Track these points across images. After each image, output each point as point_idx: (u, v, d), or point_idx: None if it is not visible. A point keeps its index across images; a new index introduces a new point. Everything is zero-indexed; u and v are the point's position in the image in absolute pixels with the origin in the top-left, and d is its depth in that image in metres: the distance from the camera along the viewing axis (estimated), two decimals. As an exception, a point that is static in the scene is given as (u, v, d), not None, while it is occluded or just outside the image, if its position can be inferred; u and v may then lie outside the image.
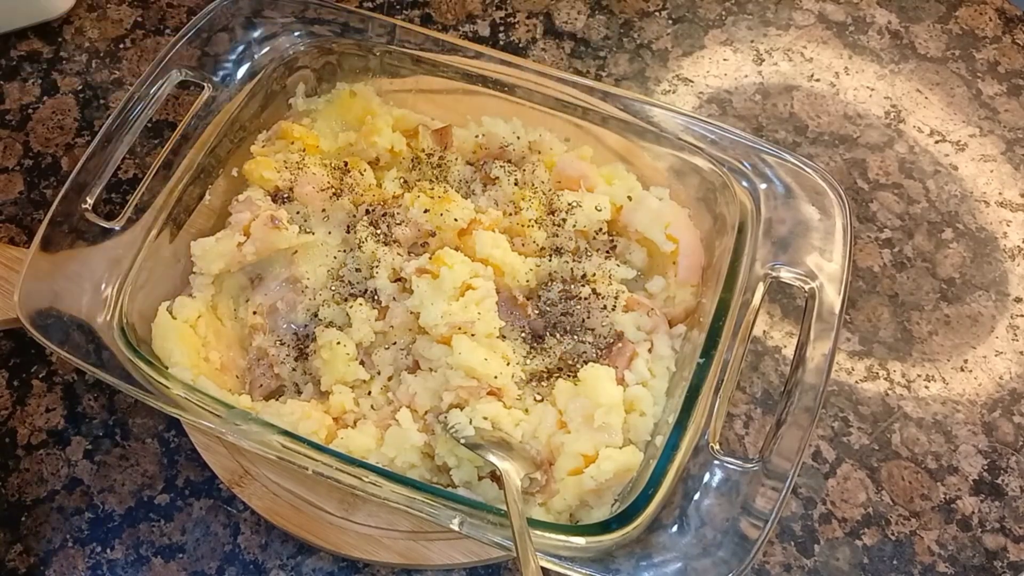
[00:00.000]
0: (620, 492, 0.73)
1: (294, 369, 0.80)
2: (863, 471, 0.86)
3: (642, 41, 1.13)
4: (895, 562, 0.83)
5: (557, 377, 0.78)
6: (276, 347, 0.80)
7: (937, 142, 1.05)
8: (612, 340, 0.80)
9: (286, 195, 0.86)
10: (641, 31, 1.14)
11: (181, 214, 0.83)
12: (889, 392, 0.90)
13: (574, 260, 0.83)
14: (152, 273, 0.80)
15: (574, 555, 0.65)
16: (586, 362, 0.78)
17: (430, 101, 0.93)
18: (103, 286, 0.77)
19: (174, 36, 0.87)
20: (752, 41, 1.13)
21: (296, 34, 0.90)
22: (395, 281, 0.80)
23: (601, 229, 0.86)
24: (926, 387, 0.91)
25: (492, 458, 0.70)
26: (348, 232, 0.84)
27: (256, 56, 0.88)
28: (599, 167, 0.88)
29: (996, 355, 0.92)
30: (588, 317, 0.80)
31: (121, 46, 1.13)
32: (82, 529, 0.84)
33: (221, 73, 0.87)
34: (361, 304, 0.80)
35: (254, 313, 0.83)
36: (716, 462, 0.68)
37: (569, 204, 0.84)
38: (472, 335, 0.77)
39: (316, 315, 0.81)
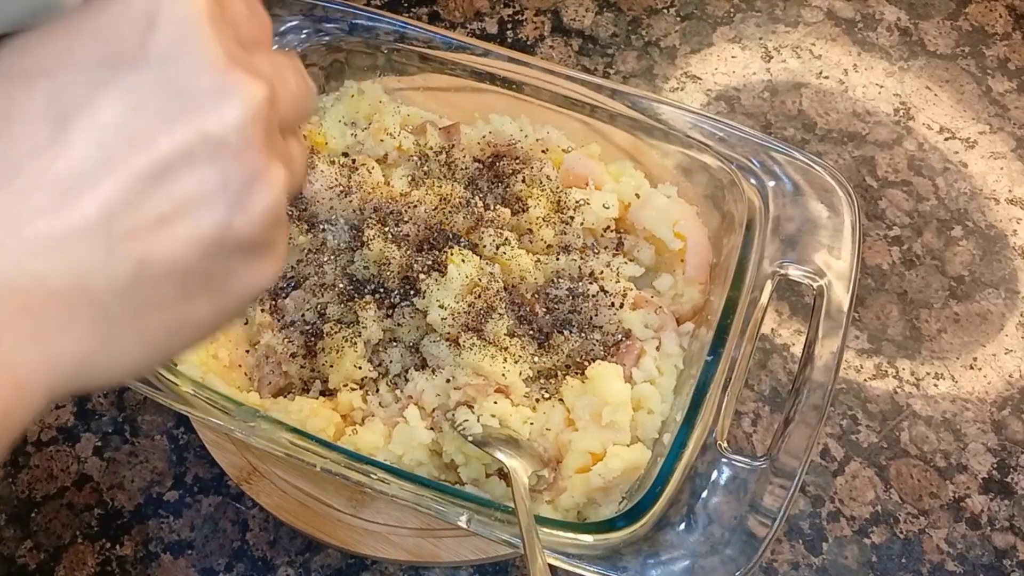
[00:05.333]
0: (628, 490, 0.73)
1: (302, 367, 0.80)
2: (871, 469, 0.86)
3: (650, 38, 1.13)
4: (904, 560, 0.82)
5: (565, 375, 0.78)
6: (284, 345, 0.81)
7: (947, 139, 1.05)
8: (620, 338, 0.80)
9: (294, 193, 0.86)
10: (649, 28, 1.14)
11: (190, 212, 0.83)
12: (898, 390, 0.90)
13: (581, 258, 0.83)
14: (161, 271, 0.81)
15: (581, 552, 0.65)
16: (594, 360, 0.78)
17: (438, 99, 0.93)
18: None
19: (183, 34, 0.87)
20: (760, 38, 1.13)
21: (304, 32, 0.90)
22: (403, 279, 0.81)
23: (609, 227, 0.86)
24: (935, 385, 0.91)
25: (500, 456, 0.70)
26: (356, 230, 0.84)
27: (264, 54, 0.89)
28: (607, 165, 0.88)
29: (1006, 353, 0.92)
30: (596, 315, 0.80)
31: (130, 44, 1.13)
32: (92, 525, 0.85)
33: (229, 71, 0.87)
34: (369, 302, 0.80)
35: (262, 311, 0.83)
36: (724, 460, 0.68)
37: (577, 202, 0.84)
38: (480, 333, 0.77)
39: (324, 313, 0.81)
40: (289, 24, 0.90)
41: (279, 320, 0.82)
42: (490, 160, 0.89)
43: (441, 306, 0.77)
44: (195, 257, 0.34)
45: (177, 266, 0.34)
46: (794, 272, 0.76)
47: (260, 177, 0.35)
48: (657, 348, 0.80)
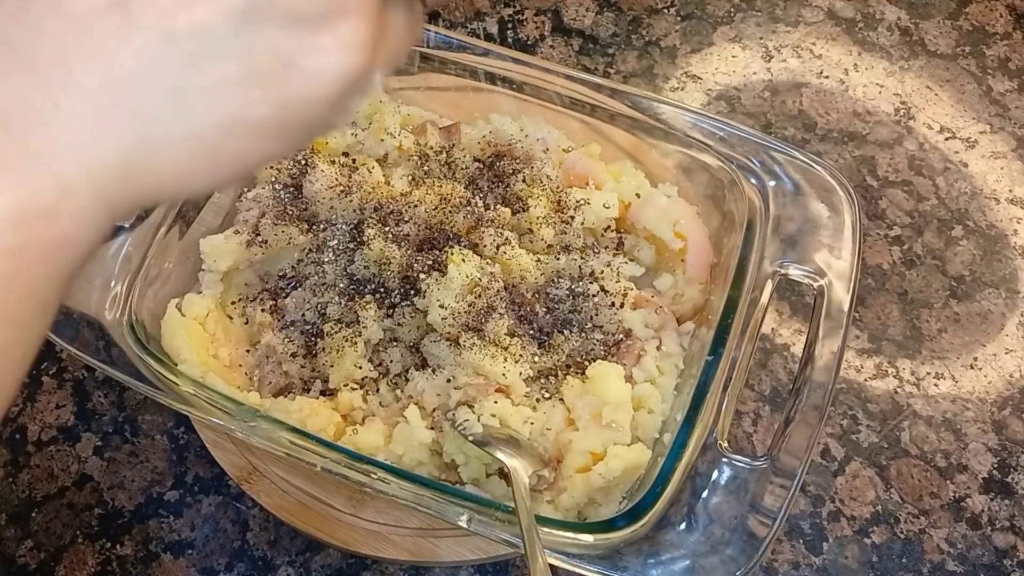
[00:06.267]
0: (628, 489, 0.73)
1: (303, 366, 0.80)
2: (872, 469, 0.86)
3: (650, 38, 1.13)
4: (904, 560, 0.82)
5: (565, 375, 0.78)
6: (284, 344, 0.81)
7: (947, 139, 1.05)
8: (620, 337, 0.80)
9: (295, 192, 0.86)
10: (650, 28, 1.14)
11: (190, 211, 0.84)
12: (898, 390, 0.90)
13: (582, 257, 0.83)
14: (161, 270, 0.81)
15: (582, 552, 0.65)
16: (594, 359, 0.78)
17: (438, 98, 0.93)
18: (112, 283, 0.77)
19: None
20: (761, 38, 1.13)
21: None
22: (403, 278, 0.81)
23: (609, 226, 0.86)
24: (935, 385, 0.91)
25: (500, 455, 0.70)
26: (356, 230, 0.84)
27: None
28: (607, 164, 0.88)
29: (1006, 353, 0.92)
30: (596, 314, 0.80)
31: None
32: (92, 525, 0.85)
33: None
34: (369, 302, 0.80)
35: (263, 310, 0.83)
36: (724, 460, 0.68)
37: (577, 201, 0.84)
38: (480, 333, 0.77)
39: (324, 313, 0.81)
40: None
41: (279, 320, 0.82)
42: (490, 160, 0.89)
43: (441, 306, 0.77)
44: (225, 24, 0.30)
45: (207, 38, 0.30)
46: (794, 272, 0.76)
47: None
48: (658, 348, 0.80)
